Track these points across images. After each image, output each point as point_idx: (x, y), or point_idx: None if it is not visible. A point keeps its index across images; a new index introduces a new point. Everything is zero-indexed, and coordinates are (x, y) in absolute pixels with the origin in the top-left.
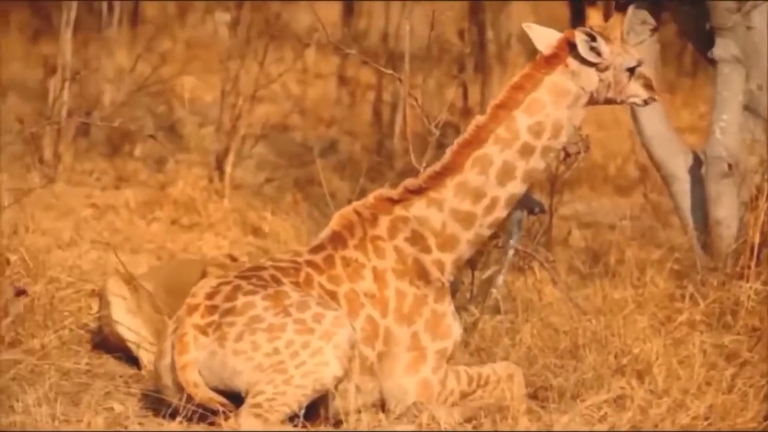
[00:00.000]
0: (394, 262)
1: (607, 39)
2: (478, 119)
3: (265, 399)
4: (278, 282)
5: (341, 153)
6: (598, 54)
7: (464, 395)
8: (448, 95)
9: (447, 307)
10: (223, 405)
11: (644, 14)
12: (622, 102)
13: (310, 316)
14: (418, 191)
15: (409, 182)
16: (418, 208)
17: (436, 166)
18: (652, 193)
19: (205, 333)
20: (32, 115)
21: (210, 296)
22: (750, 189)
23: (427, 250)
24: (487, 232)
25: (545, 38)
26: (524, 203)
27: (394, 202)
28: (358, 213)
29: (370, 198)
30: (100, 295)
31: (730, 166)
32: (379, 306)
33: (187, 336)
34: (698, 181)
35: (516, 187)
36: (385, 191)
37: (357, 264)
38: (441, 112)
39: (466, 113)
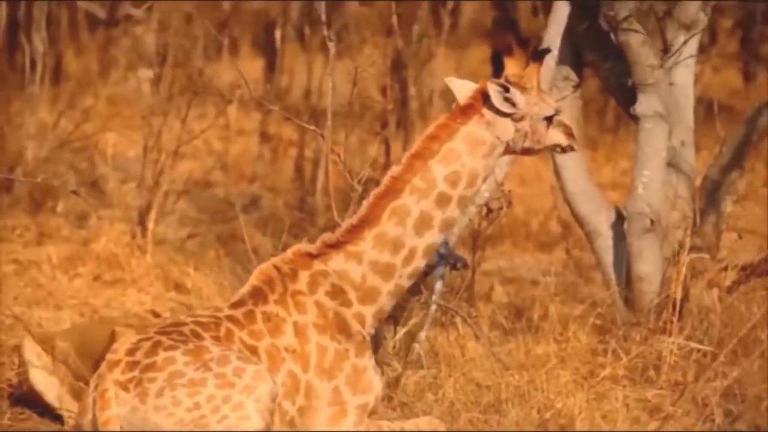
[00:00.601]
0: (315, 317)
1: (522, 89)
2: (394, 170)
3: None
4: (199, 337)
5: (263, 209)
6: (513, 104)
7: None
8: (371, 151)
9: (368, 361)
10: None
11: (567, 70)
12: (539, 151)
13: (231, 370)
14: (337, 245)
15: (327, 237)
16: (337, 261)
17: (354, 219)
18: (575, 248)
19: (126, 389)
20: None
21: (130, 352)
22: (672, 244)
23: (347, 303)
24: (407, 283)
25: (465, 91)
26: (447, 259)
27: (312, 256)
28: (277, 268)
29: (289, 253)
30: (19, 353)
31: (652, 221)
32: (300, 361)
33: (109, 392)
34: (621, 237)
35: (434, 237)
36: (304, 246)
37: (278, 319)
38: (363, 168)
39: (389, 169)
